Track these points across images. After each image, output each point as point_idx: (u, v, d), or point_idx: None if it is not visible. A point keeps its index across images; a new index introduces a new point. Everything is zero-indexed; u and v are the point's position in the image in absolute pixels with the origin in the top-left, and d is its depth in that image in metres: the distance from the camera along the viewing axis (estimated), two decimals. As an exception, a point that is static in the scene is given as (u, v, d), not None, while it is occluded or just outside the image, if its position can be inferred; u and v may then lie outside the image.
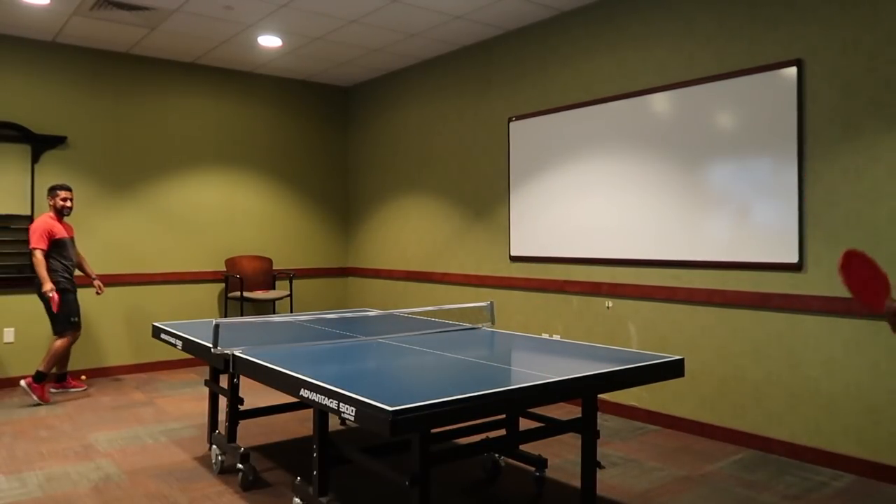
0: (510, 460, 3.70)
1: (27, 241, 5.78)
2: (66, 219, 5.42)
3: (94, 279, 5.54)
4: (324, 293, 7.54)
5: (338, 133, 7.71)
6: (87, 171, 6.13)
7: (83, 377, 5.93)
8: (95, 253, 6.16)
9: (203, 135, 6.78)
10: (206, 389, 4.50)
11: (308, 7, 5.05)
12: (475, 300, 5.84)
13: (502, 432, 3.50)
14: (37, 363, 5.89)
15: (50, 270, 5.15)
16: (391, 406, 2.04)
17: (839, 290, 3.66)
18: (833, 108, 3.70)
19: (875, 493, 3.39)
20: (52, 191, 5.30)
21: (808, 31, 3.79)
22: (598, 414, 4.72)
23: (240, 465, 3.43)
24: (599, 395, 4.73)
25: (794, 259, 3.82)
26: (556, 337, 5.20)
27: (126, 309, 6.32)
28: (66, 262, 5.28)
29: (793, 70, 3.83)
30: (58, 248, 5.23)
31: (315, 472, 2.85)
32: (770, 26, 3.96)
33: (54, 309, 5.08)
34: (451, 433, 3.28)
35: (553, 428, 3.09)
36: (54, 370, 5.45)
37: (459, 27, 5.51)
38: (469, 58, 6.04)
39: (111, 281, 6.23)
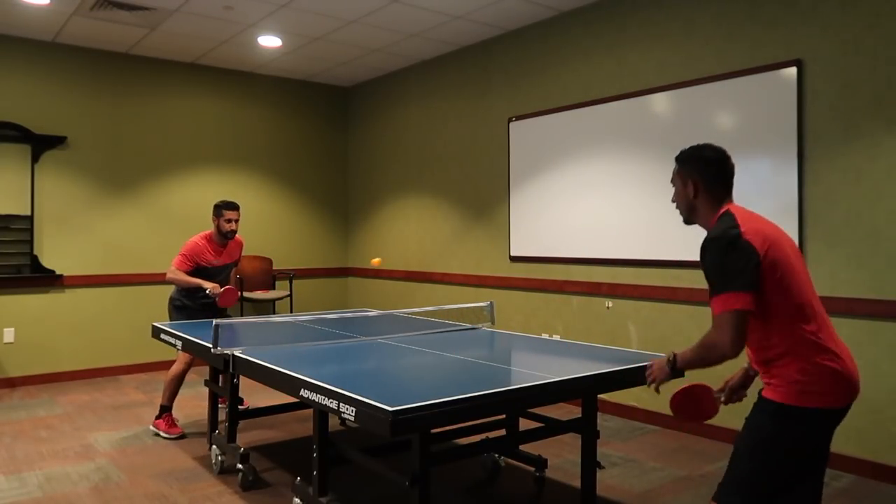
0: (510, 460, 3.70)
1: (27, 241, 5.80)
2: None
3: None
4: (324, 293, 7.54)
5: (338, 133, 7.71)
6: (87, 171, 6.13)
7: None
8: (95, 253, 6.16)
9: (203, 135, 6.78)
10: (206, 389, 4.49)
11: (308, 7, 5.05)
12: (475, 300, 5.84)
13: (502, 432, 3.50)
14: (37, 363, 5.91)
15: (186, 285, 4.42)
16: (391, 406, 2.04)
17: (839, 290, 3.67)
18: (833, 108, 3.69)
19: (875, 493, 3.39)
20: (217, 209, 4.49)
21: (808, 31, 3.79)
22: (598, 414, 4.72)
23: (240, 465, 3.42)
24: (599, 395, 4.73)
25: (794, 259, 3.82)
26: (556, 337, 5.20)
27: (126, 309, 6.32)
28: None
29: (793, 70, 3.83)
30: (200, 275, 4.47)
31: (315, 472, 2.85)
32: (770, 26, 3.95)
33: (221, 302, 4.31)
34: (451, 433, 3.28)
35: (553, 428, 3.09)
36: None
37: (459, 27, 5.51)
38: (469, 58, 6.04)
39: (111, 281, 6.23)
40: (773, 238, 1.93)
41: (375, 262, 3.16)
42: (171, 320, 4.49)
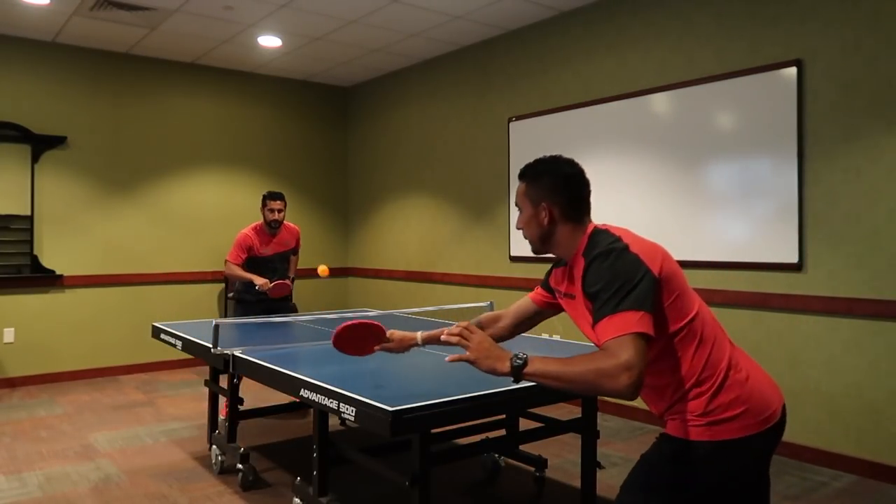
0: (510, 460, 3.70)
1: (27, 241, 5.80)
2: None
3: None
4: (324, 293, 7.53)
5: (338, 133, 7.71)
6: (87, 171, 6.13)
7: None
8: (95, 253, 6.16)
9: (203, 135, 6.78)
10: (206, 389, 4.49)
11: (308, 7, 5.05)
12: (475, 300, 5.83)
13: (502, 432, 3.50)
14: (37, 363, 5.90)
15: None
16: (391, 406, 2.04)
17: (839, 290, 3.67)
18: (833, 108, 3.69)
19: (875, 493, 3.39)
20: (263, 199, 4.63)
21: (808, 31, 3.79)
22: (598, 414, 4.72)
23: (240, 465, 3.43)
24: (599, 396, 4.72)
25: (794, 259, 3.82)
26: (557, 337, 5.20)
27: (126, 309, 6.31)
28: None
29: (793, 70, 3.83)
30: (255, 267, 4.60)
31: (315, 472, 2.85)
32: (770, 26, 3.95)
33: (274, 294, 4.50)
34: (451, 433, 3.28)
35: (553, 428, 3.09)
36: None
37: (459, 27, 5.51)
38: (469, 58, 6.04)
39: (111, 281, 6.23)
40: (661, 252, 1.60)
41: (323, 270, 3.07)
42: (232, 313, 4.72)
